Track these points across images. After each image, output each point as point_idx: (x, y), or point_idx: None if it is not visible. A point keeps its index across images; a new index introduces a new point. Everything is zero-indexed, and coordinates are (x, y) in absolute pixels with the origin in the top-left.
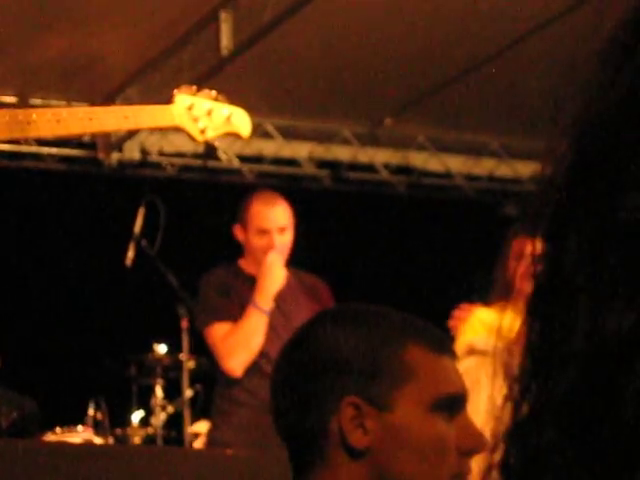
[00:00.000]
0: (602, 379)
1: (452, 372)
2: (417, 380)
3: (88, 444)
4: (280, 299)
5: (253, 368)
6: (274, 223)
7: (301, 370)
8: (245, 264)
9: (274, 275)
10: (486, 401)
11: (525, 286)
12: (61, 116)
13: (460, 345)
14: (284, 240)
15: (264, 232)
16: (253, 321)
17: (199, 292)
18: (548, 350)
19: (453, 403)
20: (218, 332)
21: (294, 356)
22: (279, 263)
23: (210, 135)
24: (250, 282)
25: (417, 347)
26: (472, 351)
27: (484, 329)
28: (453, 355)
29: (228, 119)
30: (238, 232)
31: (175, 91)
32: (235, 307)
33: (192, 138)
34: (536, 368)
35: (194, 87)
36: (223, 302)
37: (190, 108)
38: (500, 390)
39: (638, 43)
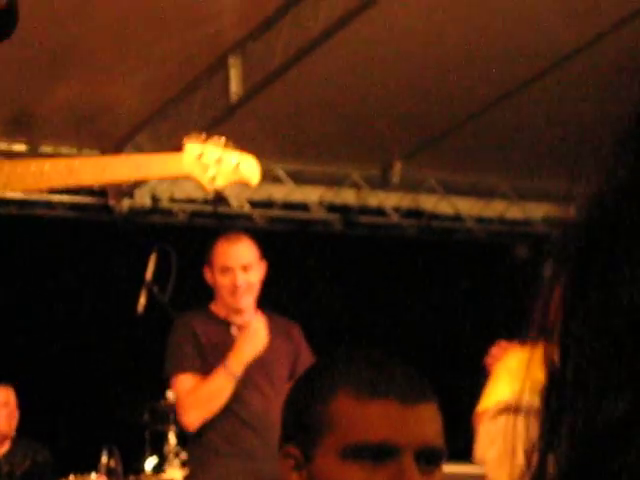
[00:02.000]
0: (598, 460)
1: (379, 419)
2: (334, 430)
3: None
4: None
5: (228, 414)
6: (237, 261)
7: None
8: (215, 307)
9: (255, 341)
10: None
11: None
12: (73, 166)
13: (490, 402)
14: (249, 278)
15: (227, 270)
16: (220, 383)
17: (169, 337)
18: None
19: (373, 451)
20: (182, 384)
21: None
22: (263, 330)
23: (220, 183)
24: (221, 325)
25: (345, 395)
26: (507, 409)
27: (508, 378)
28: (397, 399)
29: (237, 167)
30: (207, 274)
31: (185, 139)
32: (200, 357)
33: (202, 187)
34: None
35: (203, 135)
36: (190, 352)
37: (200, 157)
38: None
39: None
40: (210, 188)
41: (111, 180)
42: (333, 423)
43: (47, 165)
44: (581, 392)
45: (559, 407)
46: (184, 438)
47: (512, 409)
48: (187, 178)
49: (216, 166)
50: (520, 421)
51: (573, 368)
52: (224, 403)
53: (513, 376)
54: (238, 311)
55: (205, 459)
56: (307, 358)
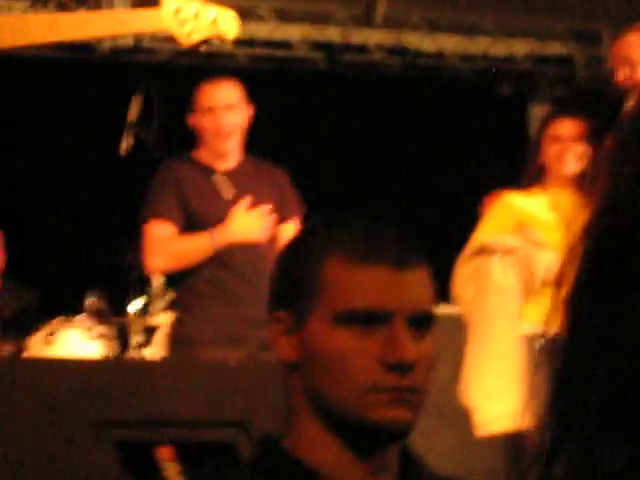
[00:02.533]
0: None
1: (371, 284)
2: (326, 294)
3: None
4: (242, 189)
5: (213, 259)
6: (220, 100)
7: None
8: (199, 154)
9: (249, 229)
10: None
11: (559, 168)
12: (54, 22)
13: (473, 242)
14: (232, 119)
15: (211, 110)
16: (199, 246)
17: (150, 182)
18: None
19: (366, 317)
20: (154, 228)
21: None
22: (257, 223)
23: (196, 38)
24: (205, 172)
25: (336, 260)
26: (482, 250)
27: (512, 219)
28: (389, 264)
29: (214, 21)
30: (191, 120)
31: None
32: (181, 206)
33: (179, 42)
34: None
35: None
36: (168, 200)
37: (177, 11)
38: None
39: None
40: (187, 43)
41: (91, 36)
42: (324, 288)
43: (28, 21)
44: (576, 438)
45: (556, 439)
46: (170, 280)
47: (487, 250)
48: (165, 33)
49: (193, 21)
50: (493, 261)
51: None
52: (193, 264)
53: (496, 220)
54: (223, 154)
55: (190, 303)
56: (294, 204)
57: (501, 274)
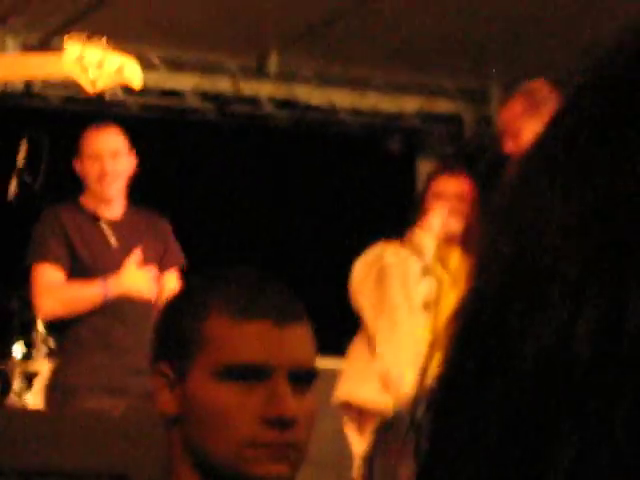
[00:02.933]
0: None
1: (254, 339)
2: (208, 349)
3: None
4: (127, 238)
5: (97, 308)
6: (105, 147)
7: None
8: (85, 200)
9: (136, 280)
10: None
11: (441, 225)
12: None
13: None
14: (117, 166)
15: (96, 157)
16: (91, 294)
17: (34, 227)
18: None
19: (248, 372)
20: (41, 272)
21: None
22: (147, 281)
23: (101, 86)
24: (90, 219)
25: (219, 314)
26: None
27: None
28: (271, 320)
29: (119, 70)
30: (77, 165)
31: (65, 38)
32: (66, 250)
33: (82, 88)
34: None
35: (84, 35)
36: (54, 244)
37: (80, 58)
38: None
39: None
40: (92, 91)
41: None
42: (206, 342)
43: None
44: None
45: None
46: (52, 326)
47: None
48: (67, 79)
49: (97, 68)
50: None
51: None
52: (84, 311)
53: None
54: (106, 201)
55: (71, 350)
56: (176, 255)
57: (395, 257)
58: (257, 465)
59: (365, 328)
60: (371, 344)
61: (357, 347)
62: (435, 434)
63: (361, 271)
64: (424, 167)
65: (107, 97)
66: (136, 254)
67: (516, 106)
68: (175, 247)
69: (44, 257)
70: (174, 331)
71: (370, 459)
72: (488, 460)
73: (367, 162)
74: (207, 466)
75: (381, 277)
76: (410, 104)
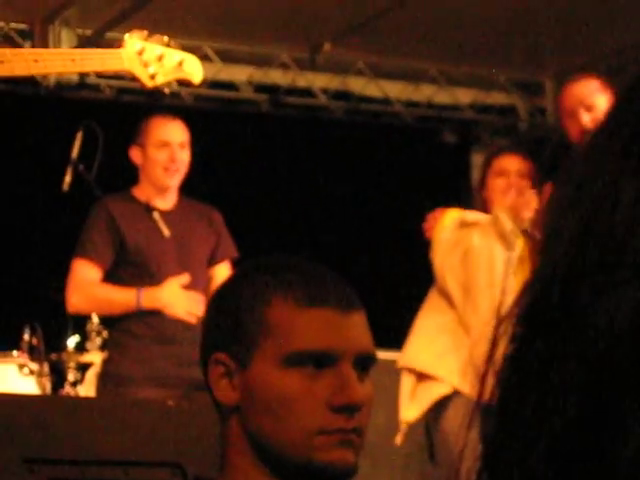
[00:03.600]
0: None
1: (320, 326)
2: (273, 336)
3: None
4: (180, 228)
5: None
6: (175, 136)
7: (203, 322)
8: (139, 192)
9: (174, 300)
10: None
11: (502, 200)
12: (5, 57)
13: (447, 222)
14: (183, 157)
15: (165, 145)
16: (123, 300)
17: (85, 221)
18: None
19: (315, 359)
20: (78, 267)
21: (207, 307)
22: (183, 298)
23: (160, 81)
24: (144, 210)
25: (282, 302)
26: (464, 224)
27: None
28: (333, 307)
29: (179, 65)
30: (135, 154)
31: (126, 35)
32: (113, 245)
33: (142, 83)
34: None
35: (145, 32)
36: (99, 239)
37: (140, 53)
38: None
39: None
40: (150, 85)
41: (45, 72)
42: (271, 329)
43: None
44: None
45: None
46: (106, 319)
47: (467, 224)
48: (127, 74)
49: (157, 63)
50: (475, 233)
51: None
52: (108, 315)
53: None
54: (164, 190)
55: (124, 342)
56: (228, 246)
57: (483, 239)
58: (325, 452)
59: (451, 304)
60: (460, 323)
61: (427, 315)
62: (503, 410)
63: (446, 246)
64: (478, 159)
65: (166, 92)
66: (184, 277)
67: (592, 82)
68: (228, 239)
69: (85, 252)
70: (231, 319)
71: (428, 426)
72: (559, 436)
73: (421, 154)
74: (271, 455)
75: (468, 259)
76: (464, 96)
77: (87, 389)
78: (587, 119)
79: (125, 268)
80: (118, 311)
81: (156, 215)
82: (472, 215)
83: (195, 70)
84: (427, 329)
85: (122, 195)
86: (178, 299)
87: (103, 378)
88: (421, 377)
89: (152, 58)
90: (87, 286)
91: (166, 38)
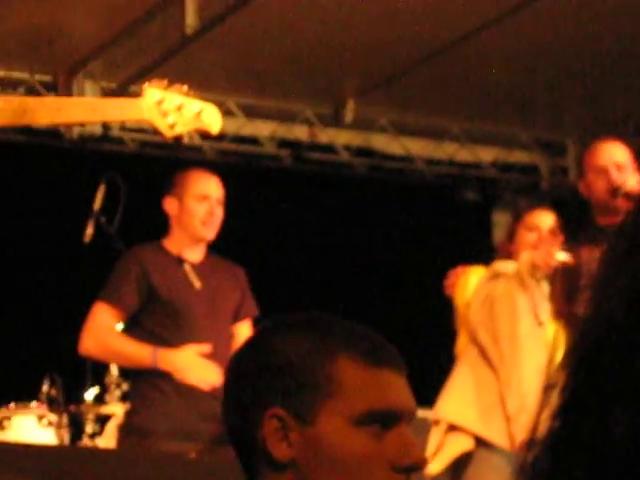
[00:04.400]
0: None
1: (385, 386)
2: (343, 394)
3: (37, 446)
4: (206, 282)
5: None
6: (214, 191)
7: (238, 379)
8: (169, 243)
9: (189, 367)
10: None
11: (530, 254)
12: (28, 106)
13: (474, 278)
14: (219, 212)
15: (204, 199)
16: (138, 356)
17: (115, 265)
18: None
19: (383, 418)
20: (98, 311)
21: (236, 363)
22: (201, 365)
23: (179, 130)
24: (175, 262)
25: (348, 360)
26: (497, 275)
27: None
28: (394, 367)
29: (198, 115)
30: (170, 204)
31: (145, 85)
32: (140, 294)
33: (161, 133)
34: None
35: (165, 81)
36: (125, 285)
37: (160, 102)
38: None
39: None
40: (169, 135)
41: (67, 121)
42: (340, 388)
43: (0, 103)
44: None
45: None
46: (125, 369)
47: (497, 275)
48: (146, 123)
49: (176, 113)
50: (500, 284)
51: None
52: (128, 367)
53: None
54: (199, 241)
55: (148, 395)
56: (251, 303)
57: (504, 288)
58: None
59: (485, 357)
60: (495, 373)
61: (462, 370)
62: (556, 463)
63: (478, 300)
64: (499, 217)
65: (185, 142)
66: (205, 347)
67: (621, 145)
68: (251, 297)
69: (108, 297)
70: (292, 376)
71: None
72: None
73: (443, 212)
74: None
75: (493, 310)
76: (486, 154)
77: (107, 441)
78: (617, 176)
79: (154, 318)
80: (131, 366)
81: (187, 267)
82: (502, 265)
83: (214, 120)
84: (460, 383)
85: (152, 245)
86: (193, 366)
87: (126, 430)
88: (449, 429)
89: (171, 108)
90: (103, 332)
91: (185, 87)
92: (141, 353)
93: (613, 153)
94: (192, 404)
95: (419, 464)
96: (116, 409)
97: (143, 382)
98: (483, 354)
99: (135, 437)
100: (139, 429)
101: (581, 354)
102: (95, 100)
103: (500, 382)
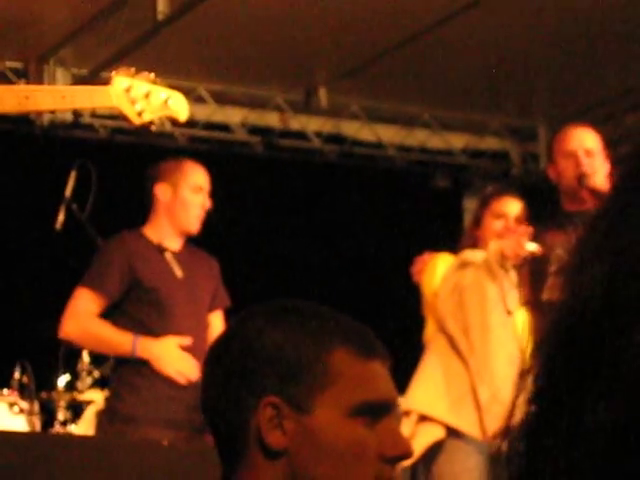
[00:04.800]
0: None
1: (378, 378)
2: (338, 385)
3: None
4: (186, 271)
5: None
6: (206, 184)
7: (226, 366)
8: (151, 232)
9: (168, 358)
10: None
11: (498, 244)
12: None
13: (442, 266)
14: (207, 205)
15: (200, 190)
16: (118, 343)
17: (99, 252)
18: None
19: (375, 409)
20: (80, 296)
21: (221, 351)
22: (178, 356)
23: (147, 118)
24: (156, 250)
25: (343, 351)
26: (465, 264)
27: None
28: (383, 359)
29: (165, 102)
30: (162, 190)
31: (113, 73)
32: (122, 281)
33: (129, 120)
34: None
35: (132, 69)
36: (107, 272)
37: (128, 90)
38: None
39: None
40: (137, 122)
41: (34, 109)
42: (335, 378)
43: None
44: None
45: None
46: (97, 356)
47: (465, 264)
48: (114, 111)
49: (144, 100)
50: (469, 272)
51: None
52: (107, 354)
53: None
54: (187, 232)
55: (134, 382)
56: (224, 294)
57: (473, 277)
58: None
59: (454, 347)
60: (464, 365)
61: (430, 359)
62: (532, 451)
63: (446, 290)
64: (470, 204)
65: (154, 129)
66: (185, 340)
67: (591, 131)
68: (223, 288)
69: (90, 283)
70: (288, 365)
71: (414, 467)
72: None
73: (414, 198)
74: None
75: (462, 300)
76: (457, 141)
77: (85, 427)
78: (587, 162)
79: (137, 306)
80: (110, 352)
81: (169, 256)
82: (471, 254)
83: (181, 108)
84: (429, 373)
85: (134, 233)
86: (171, 357)
87: (108, 416)
88: (420, 420)
89: (139, 95)
90: (84, 317)
91: (152, 75)
92: (121, 340)
93: (583, 139)
94: (176, 392)
95: (407, 455)
96: (95, 395)
97: (129, 368)
98: (452, 344)
99: (119, 423)
100: (123, 415)
101: (556, 339)
102: (64, 88)
103: (470, 372)
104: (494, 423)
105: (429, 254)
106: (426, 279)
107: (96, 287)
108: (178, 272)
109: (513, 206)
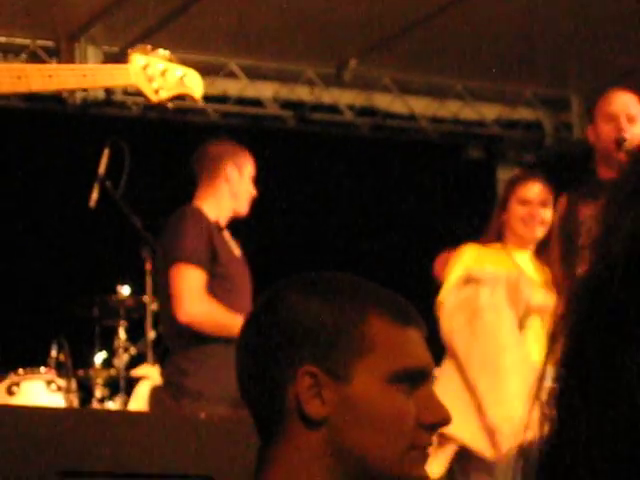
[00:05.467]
0: None
1: (415, 345)
2: (377, 352)
3: (55, 409)
4: (240, 254)
5: None
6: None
7: (262, 337)
8: (208, 209)
9: None
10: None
11: (523, 230)
12: (22, 73)
13: (455, 276)
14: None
15: (252, 178)
16: (232, 325)
17: (177, 224)
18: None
19: (414, 376)
20: (187, 275)
21: (257, 323)
22: None
23: (164, 95)
24: (217, 228)
25: (380, 318)
26: (471, 279)
27: (475, 262)
28: (419, 327)
29: (181, 80)
30: (232, 170)
31: (130, 50)
32: (207, 253)
33: (146, 97)
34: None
35: (149, 46)
36: (200, 245)
37: (145, 68)
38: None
39: None
40: (154, 100)
41: (59, 88)
42: (373, 346)
43: None
44: None
45: None
46: (133, 334)
47: (473, 280)
48: (133, 88)
49: (161, 78)
50: (482, 289)
51: None
52: (215, 335)
53: (467, 265)
54: (237, 215)
55: (203, 360)
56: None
57: (491, 298)
58: (414, 468)
59: (459, 366)
60: (467, 383)
61: (445, 378)
62: (563, 413)
63: (451, 308)
64: (504, 174)
65: (170, 107)
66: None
67: (634, 97)
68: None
69: (190, 259)
70: (326, 333)
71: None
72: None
73: (447, 169)
74: (361, 470)
75: (475, 321)
76: (490, 111)
77: (138, 403)
78: (627, 127)
79: (217, 281)
80: (224, 333)
81: (226, 234)
82: (478, 271)
83: (196, 85)
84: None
85: (196, 208)
86: None
87: (172, 392)
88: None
89: (156, 73)
90: (205, 298)
91: (168, 53)
92: (235, 322)
93: (627, 104)
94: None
95: (445, 421)
96: (150, 371)
97: (201, 346)
98: (457, 362)
99: (186, 399)
100: (191, 391)
101: (584, 302)
102: (85, 66)
103: (478, 393)
104: (507, 443)
105: (450, 252)
106: (451, 271)
107: (197, 262)
108: (236, 250)
109: (537, 192)
